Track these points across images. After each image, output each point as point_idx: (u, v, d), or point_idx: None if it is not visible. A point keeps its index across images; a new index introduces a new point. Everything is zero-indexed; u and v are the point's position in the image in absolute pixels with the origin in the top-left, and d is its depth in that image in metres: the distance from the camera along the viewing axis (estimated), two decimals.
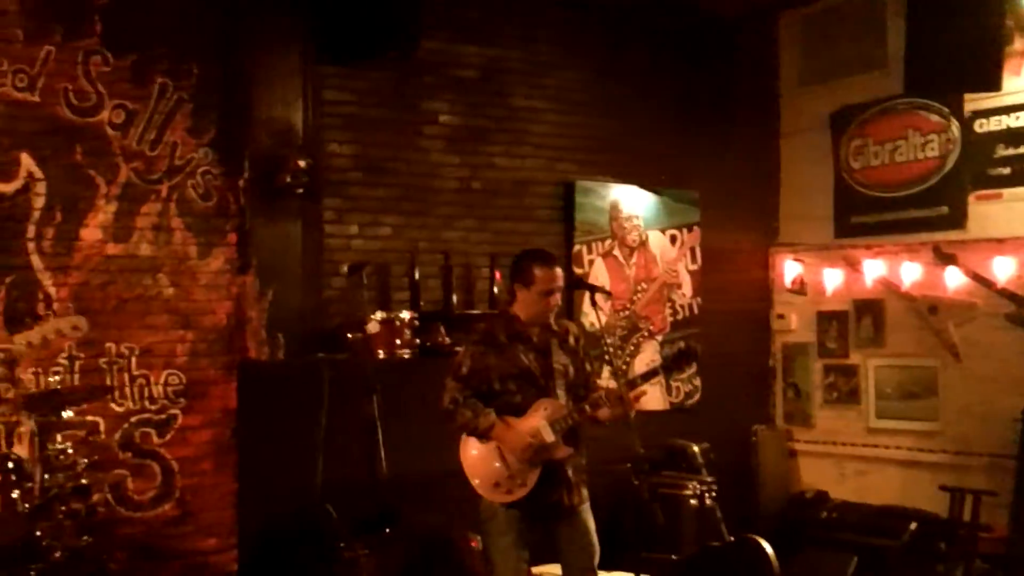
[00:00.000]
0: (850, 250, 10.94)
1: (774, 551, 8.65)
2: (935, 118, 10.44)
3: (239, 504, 8.60)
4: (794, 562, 9.13)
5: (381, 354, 8.48)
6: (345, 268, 8.82)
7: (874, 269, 10.75)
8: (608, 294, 8.88)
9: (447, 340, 8.95)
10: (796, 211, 11.53)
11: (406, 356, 8.67)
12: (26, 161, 8.05)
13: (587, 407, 6.51)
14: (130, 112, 8.41)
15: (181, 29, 8.60)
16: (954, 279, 10.18)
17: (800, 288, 11.42)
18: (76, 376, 8.16)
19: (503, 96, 10.13)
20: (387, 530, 7.61)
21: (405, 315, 8.80)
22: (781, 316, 11.56)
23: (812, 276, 11.30)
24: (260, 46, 8.81)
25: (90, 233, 8.26)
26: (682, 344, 8.73)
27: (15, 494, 6.73)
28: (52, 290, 8.12)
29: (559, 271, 6.68)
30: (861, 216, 10.95)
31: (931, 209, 10.47)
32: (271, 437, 8.33)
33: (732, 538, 9.44)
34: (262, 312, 8.74)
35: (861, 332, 10.94)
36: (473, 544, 7.95)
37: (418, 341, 8.82)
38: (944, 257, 10.15)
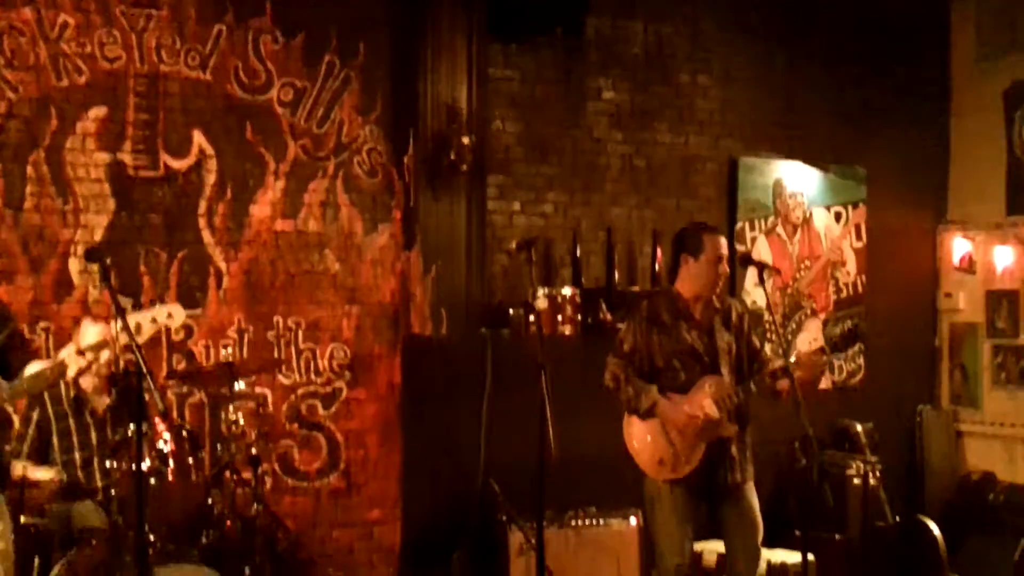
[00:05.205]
0: (1023, 228, 10.66)
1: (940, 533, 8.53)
2: None
3: (404, 478, 8.71)
4: (960, 545, 8.98)
5: (544, 330, 8.49)
6: (514, 244, 8.86)
7: None
8: (777, 271, 8.82)
9: (609, 317, 8.94)
10: (966, 189, 11.19)
11: (568, 332, 8.71)
12: (198, 138, 8.24)
13: (767, 378, 6.46)
14: (298, 90, 8.55)
15: (349, 7, 8.73)
16: None
17: (969, 267, 11.12)
18: (245, 349, 8.38)
19: (668, 73, 10.05)
20: None
21: (567, 291, 8.85)
22: (948, 295, 11.26)
23: (982, 255, 10.98)
24: (427, 24, 8.85)
25: (259, 209, 8.43)
26: (849, 325, 8.61)
27: (189, 462, 6.90)
28: (223, 265, 8.32)
29: (725, 240, 6.70)
30: None
31: None
32: (436, 412, 8.44)
33: (897, 519, 9.33)
34: (426, 288, 8.81)
35: None
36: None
37: (580, 317, 8.84)
38: None
